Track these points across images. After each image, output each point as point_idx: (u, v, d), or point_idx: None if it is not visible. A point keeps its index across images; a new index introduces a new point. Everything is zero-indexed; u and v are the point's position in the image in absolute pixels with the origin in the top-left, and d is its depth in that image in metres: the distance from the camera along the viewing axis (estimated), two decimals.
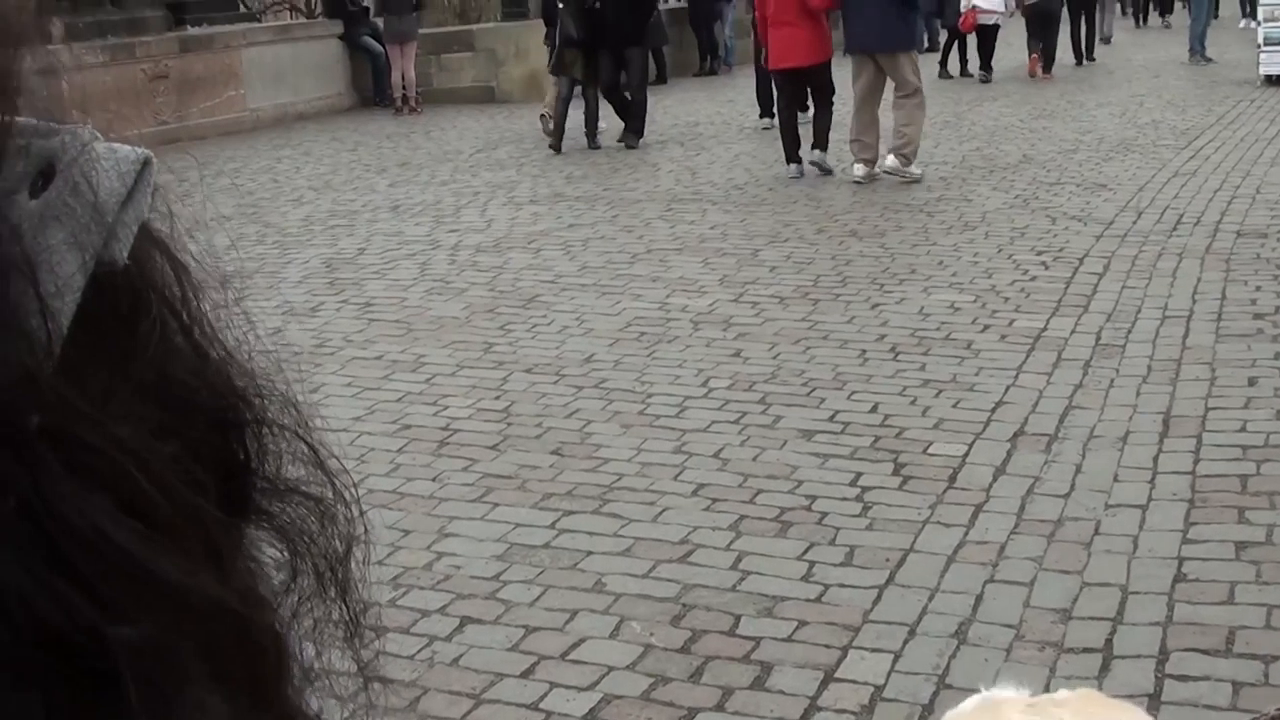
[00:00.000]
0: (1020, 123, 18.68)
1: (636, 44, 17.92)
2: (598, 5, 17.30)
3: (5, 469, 0.58)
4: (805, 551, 5.85)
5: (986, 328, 8.96)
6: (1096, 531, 5.89)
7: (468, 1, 60.81)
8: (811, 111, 15.54)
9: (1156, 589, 5.36)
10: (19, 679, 0.57)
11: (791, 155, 15.19)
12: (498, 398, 8.02)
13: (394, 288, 10.78)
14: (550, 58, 18.08)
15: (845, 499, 6.36)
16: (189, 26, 23.46)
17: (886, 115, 14.68)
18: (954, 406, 7.50)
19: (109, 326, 0.66)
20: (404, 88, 23.38)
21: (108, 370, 0.65)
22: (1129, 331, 8.73)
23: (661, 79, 25.57)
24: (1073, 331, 8.78)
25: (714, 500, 6.42)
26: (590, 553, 5.94)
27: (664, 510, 6.34)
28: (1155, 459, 6.66)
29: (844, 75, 15.26)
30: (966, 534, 5.93)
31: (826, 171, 15.12)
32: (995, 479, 6.51)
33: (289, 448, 0.73)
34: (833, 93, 15.44)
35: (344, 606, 0.73)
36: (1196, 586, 5.38)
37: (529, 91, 22.57)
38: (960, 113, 19.73)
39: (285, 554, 0.71)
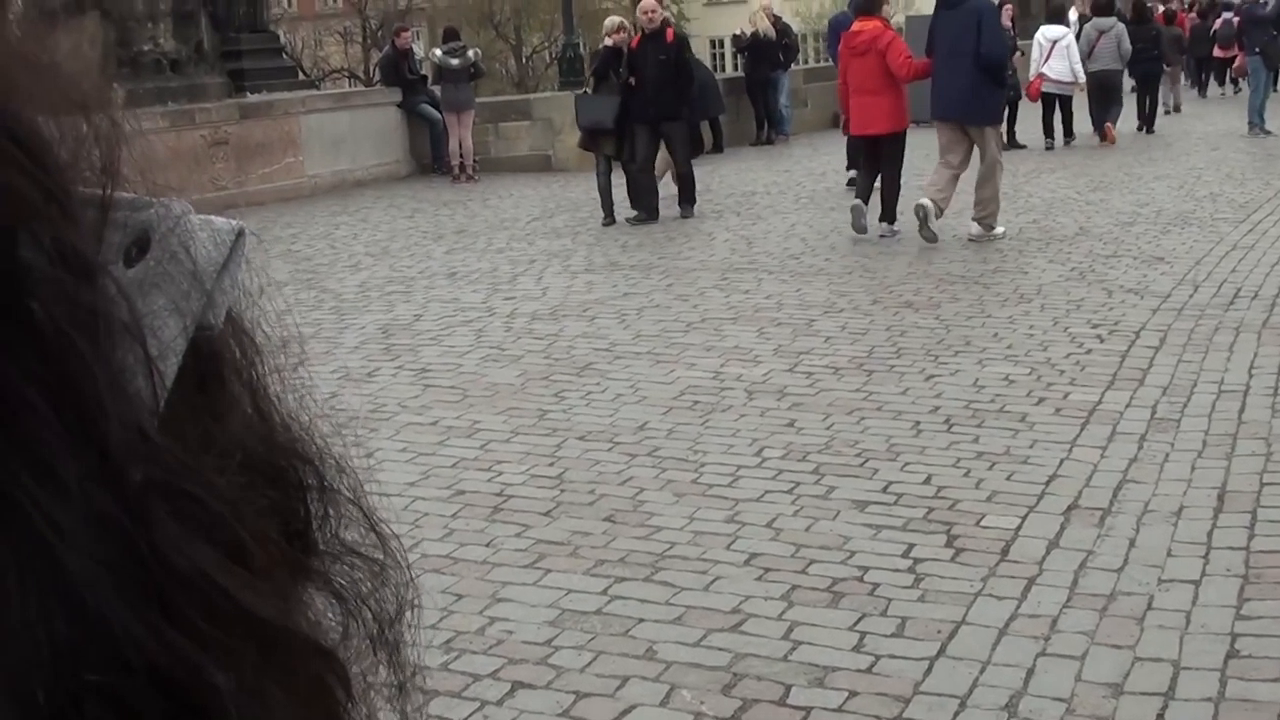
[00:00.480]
0: (1077, 195, 18.67)
1: (675, 119, 17.78)
2: (632, 82, 17.40)
3: (117, 519, 0.62)
4: (857, 622, 5.84)
5: (1041, 400, 8.95)
6: (1149, 606, 5.87)
7: (525, 70, 61.14)
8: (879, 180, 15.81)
9: (1209, 665, 5.34)
10: (131, 718, 0.61)
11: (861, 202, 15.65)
12: (551, 464, 8.06)
13: (449, 354, 10.85)
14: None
15: (898, 570, 6.36)
16: (248, 93, 23.70)
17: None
18: (1007, 479, 7.50)
19: (197, 388, 0.71)
20: (461, 155, 23.52)
21: (200, 429, 0.70)
22: (1184, 406, 8.71)
23: (718, 148, 25.68)
24: (1128, 405, 8.76)
25: (766, 570, 6.43)
26: (642, 620, 5.95)
27: (716, 579, 6.35)
28: (1209, 534, 6.64)
29: (917, 141, 15.39)
30: (1019, 607, 5.92)
31: (892, 234, 15.67)
32: (1048, 552, 6.50)
33: (344, 511, 0.77)
34: (901, 163, 15.93)
35: (393, 667, 0.76)
36: (1250, 663, 5.35)
37: (585, 160, 22.74)
38: (1017, 185, 19.72)
39: (339, 614, 0.75)
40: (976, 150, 15.34)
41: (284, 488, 0.74)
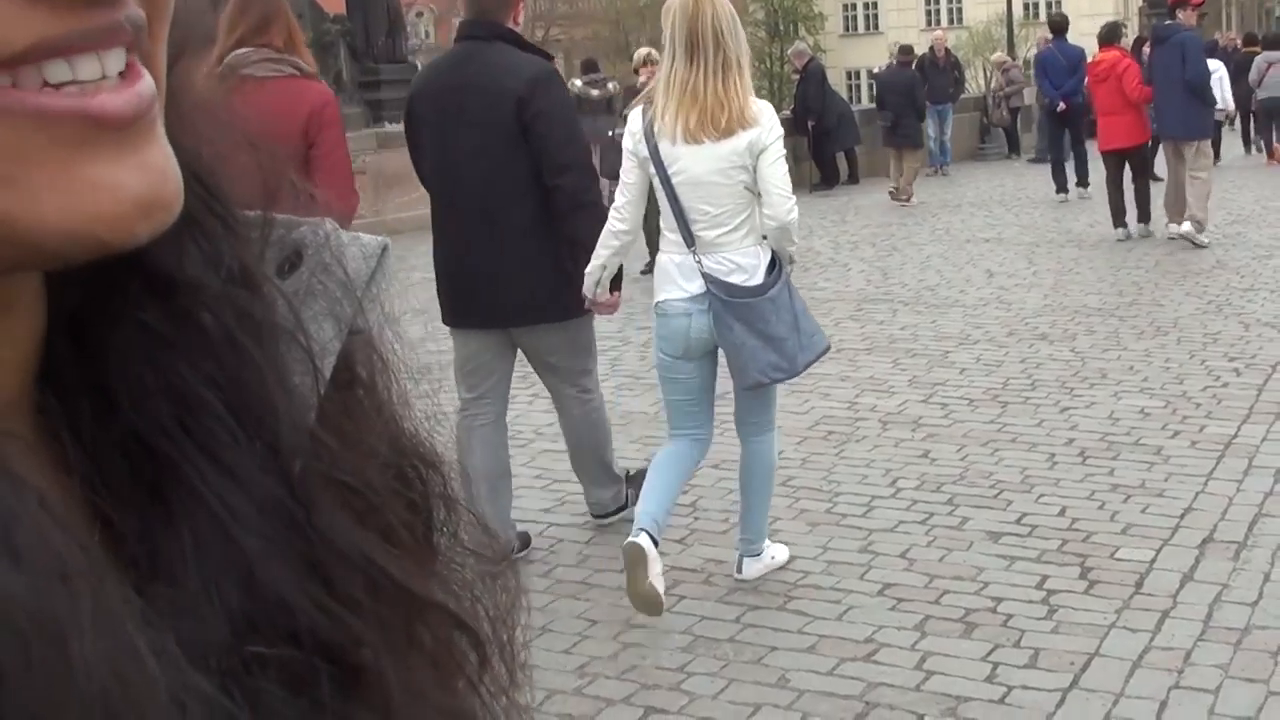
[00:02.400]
0: (1214, 228, 18.47)
1: None
2: None
3: (284, 503, 0.72)
4: (990, 653, 5.87)
5: (1176, 433, 8.92)
6: None
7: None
8: (1132, 188, 17.96)
9: None
10: (298, 684, 0.70)
11: (1118, 220, 17.92)
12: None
13: None
14: None
15: (1031, 601, 6.38)
16: (386, 123, 23.94)
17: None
18: (1142, 512, 7.48)
19: (347, 389, 0.81)
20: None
21: (352, 427, 0.80)
22: None
23: (853, 179, 25.70)
24: (1264, 439, 8.71)
25: (899, 600, 6.47)
26: (774, 648, 6.01)
27: (849, 609, 6.40)
28: None
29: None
30: (1152, 639, 5.92)
31: (1147, 235, 17.85)
32: (1182, 585, 6.49)
33: (461, 515, 0.87)
34: (1149, 170, 18.22)
35: (503, 659, 0.85)
36: None
37: None
38: (1155, 217, 19.61)
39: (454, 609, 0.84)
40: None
41: (412, 488, 0.83)
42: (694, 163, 6.25)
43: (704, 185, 6.27)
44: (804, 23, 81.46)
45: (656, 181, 6.37)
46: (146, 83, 0.63)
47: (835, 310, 13.63)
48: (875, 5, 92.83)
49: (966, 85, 34.90)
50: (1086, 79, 19.81)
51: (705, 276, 6.38)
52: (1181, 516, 7.38)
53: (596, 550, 7.26)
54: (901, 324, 12.84)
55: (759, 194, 6.29)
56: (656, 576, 6.24)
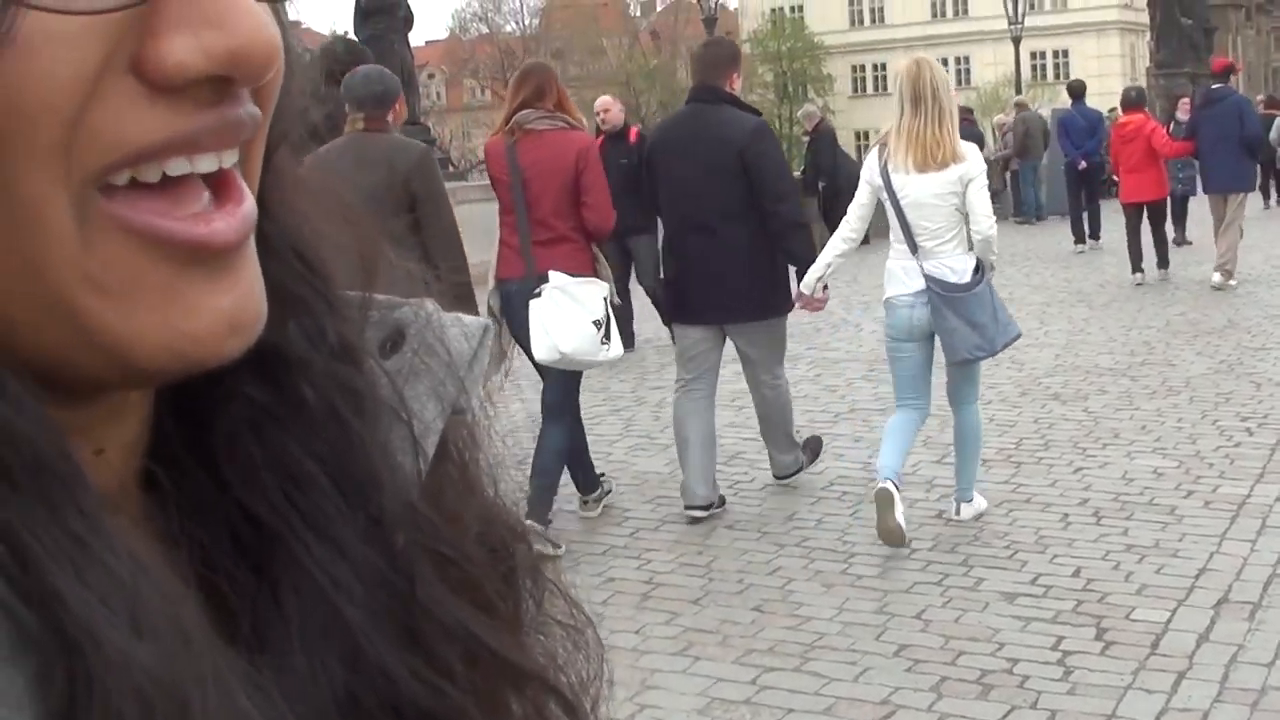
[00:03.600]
0: (1226, 287, 18.55)
1: (641, 232, 14.37)
2: None
3: (387, 575, 0.74)
4: (1007, 715, 5.86)
5: (1190, 493, 8.93)
6: None
7: None
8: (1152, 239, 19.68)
9: None
10: None
11: (1135, 266, 19.61)
12: (700, 553, 8.14)
13: (599, 442, 10.92)
14: None
15: (1047, 663, 6.37)
16: None
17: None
18: (1157, 572, 7.49)
19: (444, 462, 0.84)
20: None
21: (452, 502, 0.82)
22: None
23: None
24: (1278, 498, 8.71)
25: (916, 661, 6.47)
26: (791, 710, 6.00)
27: (865, 670, 6.40)
28: None
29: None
30: (1169, 701, 5.92)
31: (1165, 279, 19.54)
32: (1198, 646, 6.49)
33: (545, 584, 0.89)
34: (1165, 220, 20.08)
35: None
36: None
37: None
38: (1166, 275, 19.67)
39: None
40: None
41: (502, 560, 0.85)
42: (918, 189, 8.13)
43: (926, 207, 8.16)
44: (813, 84, 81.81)
45: (888, 204, 8.28)
46: (250, 204, 0.66)
47: (848, 371, 13.66)
48: (884, 67, 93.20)
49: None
50: (1108, 139, 21.55)
51: (926, 277, 8.21)
52: (1196, 577, 7.38)
53: (612, 611, 7.25)
54: None
55: (967, 214, 8.15)
56: (900, 515, 7.98)
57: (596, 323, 8.26)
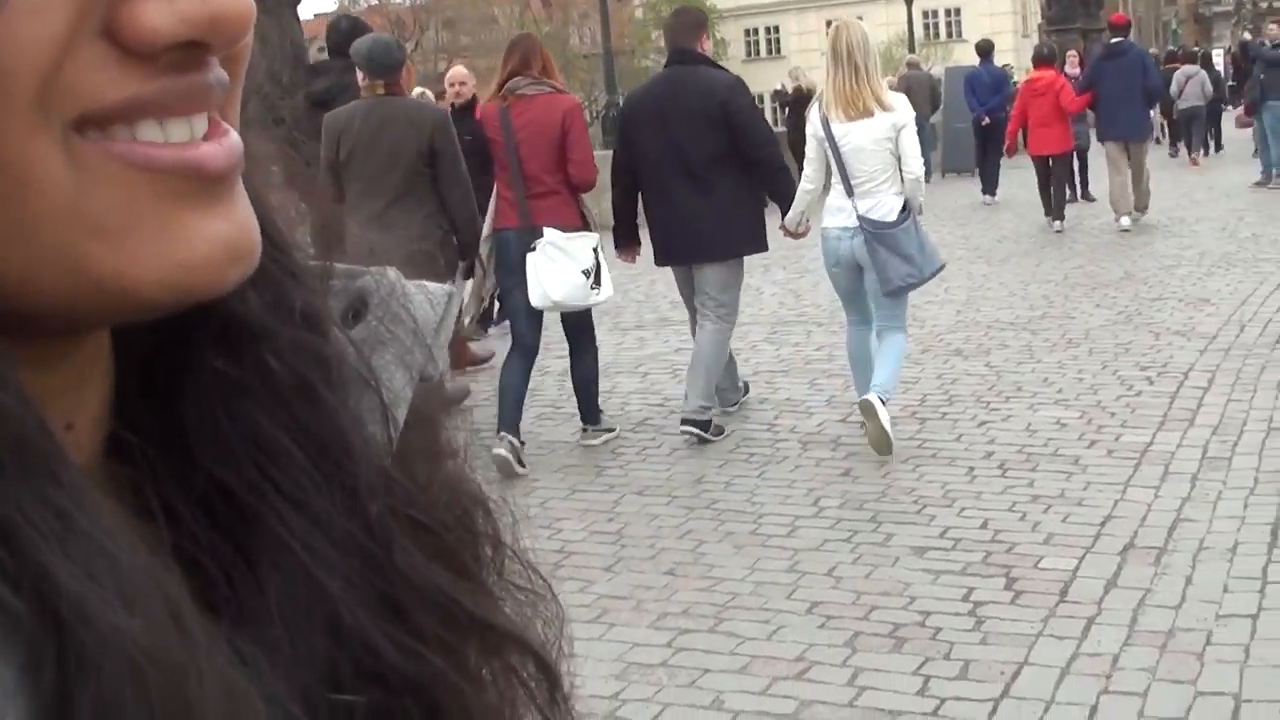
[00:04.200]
0: (1120, 240, 18.75)
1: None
2: None
3: (363, 544, 0.74)
4: (920, 666, 5.92)
5: (1093, 443, 9.03)
6: (1208, 642, 5.94)
7: None
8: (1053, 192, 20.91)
9: (1270, 697, 5.41)
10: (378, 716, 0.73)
11: (1048, 211, 20.90)
12: (610, 520, 8.15)
13: None
14: None
15: (958, 614, 6.43)
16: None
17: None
18: (1063, 521, 7.57)
19: (414, 429, 0.83)
20: None
21: (422, 469, 0.82)
22: (1235, 444, 8.78)
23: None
24: (1179, 445, 8.83)
25: (828, 618, 6.51)
26: (707, 670, 6.03)
27: (779, 628, 6.43)
28: (1264, 569, 6.70)
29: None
30: (1079, 646, 5.99)
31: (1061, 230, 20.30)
32: (1106, 592, 6.57)
33: (505, 551, 0.89)
34: (1071, 175, 21.66)
35: (548, 685, 0.88)
36: None
37: None
38: (1061, 227, 19.86)
39: None
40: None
41: (469, 526, 0.85)
42: (857, 136, 9.12)
43: (864, 152, 9.14)
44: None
45: (829, 151, 9.26)
46: (234, 137, 0.66)
47: (750, 334, 13.68)
48: (777, 30, 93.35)
49: None
50: (1015, 95, 22.68)
51: (860, 217, 9.16)
52: (1102, 525, 7.47)
53: None
54: (817, 345, 12.91)
55: (899, 158, 9.13)
56: (887, 422, 8.95)
57: (586, 272, 9.36)
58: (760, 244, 10.32)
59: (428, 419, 0.86)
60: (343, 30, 11.14)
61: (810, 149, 9.55)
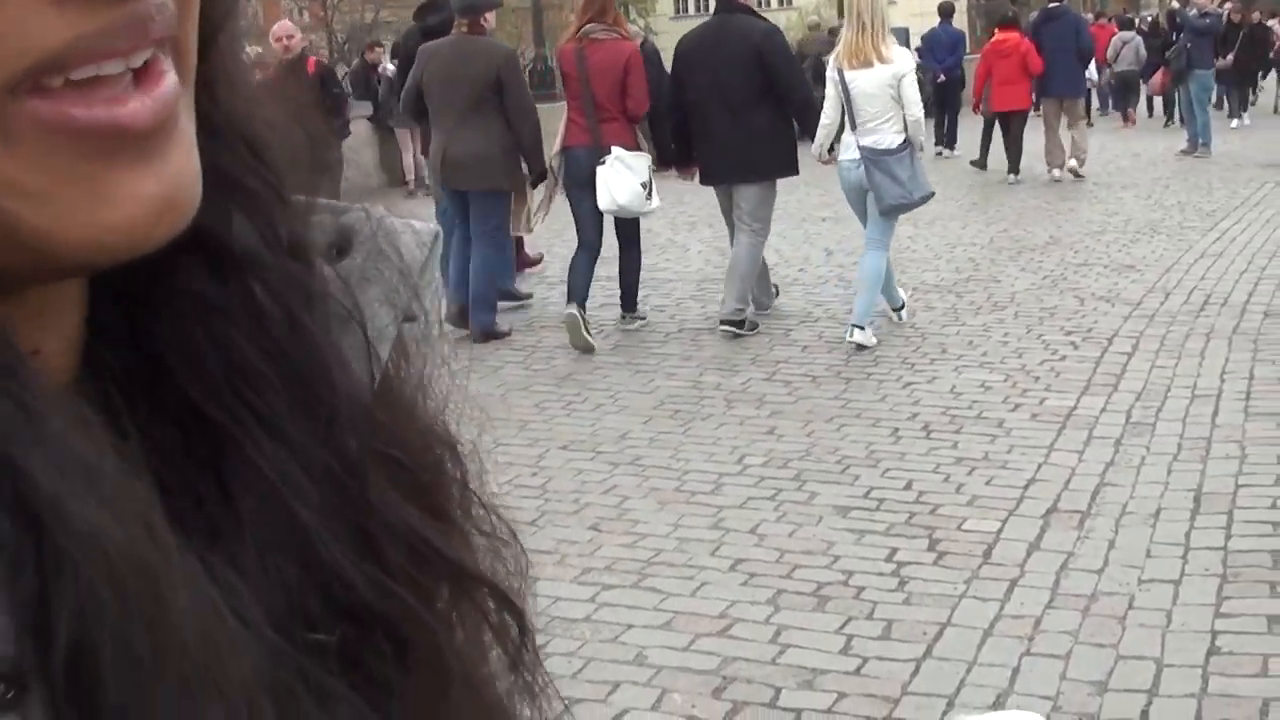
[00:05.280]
0: (1047, 205, 18.80)
1: None
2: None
3: (340, 478, 0.71)
4: (843, 625, 5.92)
5: (1017, 406, 9.05)
6: (1130, 606, 5.96)
7: None
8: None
9: (1191, 662, 5.43)
10: (355, 659, 0.70)
11: (982, 166, 23.09)
12: (534, 474, 8.12)
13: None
14: None
15: (882, 574, 6.44)
16: None
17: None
18: (987, 484, 7.58)
19: (393, 372, 0.80)
20: (415, 169, 23.33)
21: (402, 408, 0.79)
22: (1159, 410, 8.82)
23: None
24: (1103, 410, 8.86)
25: (752, 575, 6.50)
26: (630, 626, 6.01)
27: (703, 585, 6.42)
28: (1187, 535, 6.73)
29: None
30: (1002, 608, 6.00)
31: (1017, 182, 21.62)
32: (1029, 554, 6.59)
33: (470, 494, 0.86)
34: (1024, 128, 22.17)
35: (520, 635, 0.85)
36: (1231, 659, 5.44)
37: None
38: (987, 195, 19.92)
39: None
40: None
41: (441, 468, 0.82)
42: (865, 82, 10.89)
43: (869, 95, 10.87)
44: (635, 5, 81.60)
45: (840, 93, 11.01)
46: (169, 83, 0.62)
47: (676, 291, 13.67)
48: None
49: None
50: (974, 54, 24.07)
51: (861, 147, 10.89)
52: (1025, 488, 7.49)
53: None
54: None
55: (901, 102, 10.81)
56: (869, 341, 10.85)
57: (643, 184, 11.47)
58: (791, 169, 12.00)
59: (410, 359, 0.83)
60: None
61: (829, 91, 11.21)
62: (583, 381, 10.22)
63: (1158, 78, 29.98)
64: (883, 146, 10.83)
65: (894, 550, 6.71)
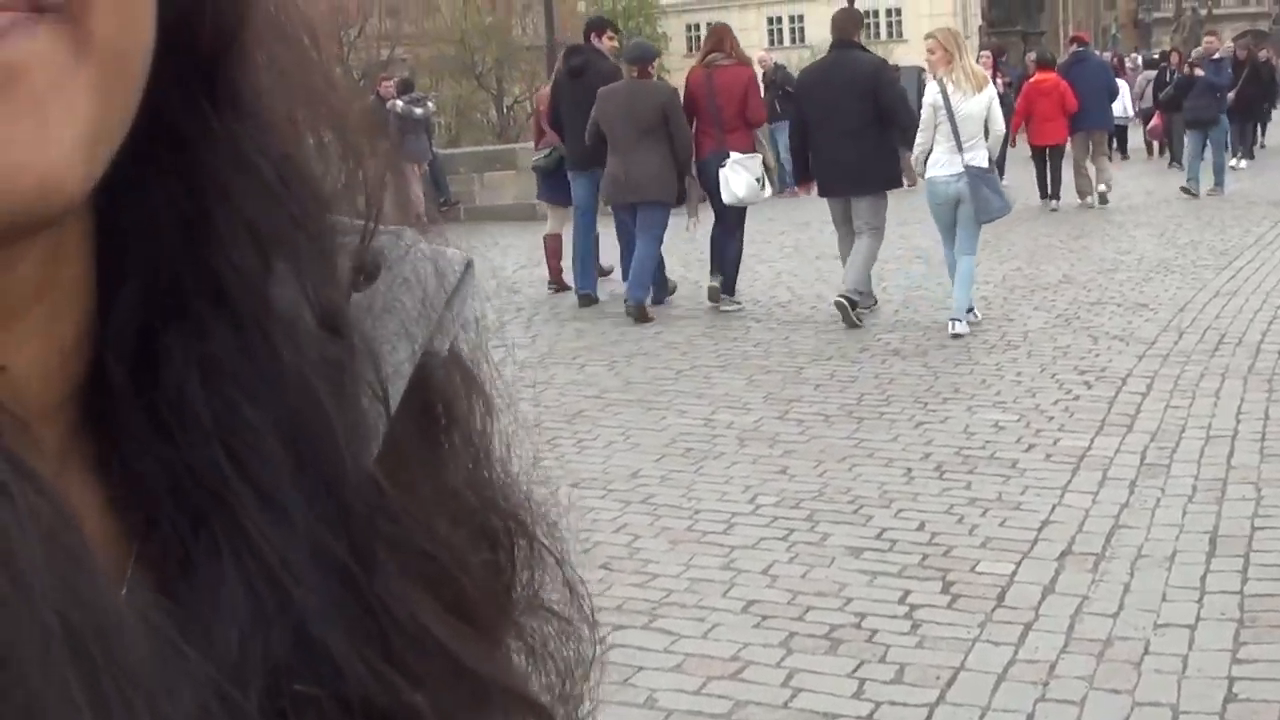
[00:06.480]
0: (1060, 243, 18.79)
1: None
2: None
3: (344, 562, 0.65)
4: (856, 669, 5.86)
5: (1031, 447, 9.00)
6: (1146, 651, 5.90)
7: (506, 120, 61.16)
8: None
9: (1207, 709, 5.37)
10: None
11: (1053, 194, 23.99)
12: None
13: None
14: None
15: (894, 616, 6.38)
16: None
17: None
18: (1001, 525, 7.53)
19: (421, 424, 0.74)
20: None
21: (429, 477, 0.73)
22: (1174, 451, 8.76)
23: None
24: (1117, 450, 8.81)
25: (764, 617, 6.45)
26: (641, 668, 5.96)
27: (714, 626, 6.37)
28: (1203, 578, 6.68)
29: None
30: (1016, 652, 5.95)
31: (1055, 209, 23.63)
32: (1044, 597, 6.53)
33: (546, 570, 0.80)
34: (1063, 160, 24.13)
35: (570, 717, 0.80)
36: (1248, 706, 5.38)
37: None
38: (1000, 233, 19.86)
39: (526, 663, 0.78)
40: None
41: (495, 543, 0.77)
42: (969, 106, 12.67)
43: (971, 118, 12.66)
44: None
45: (945, 117, 12.71)
46: (13, 42, 0.56)
47: (688, 328, 13.65)
48: None
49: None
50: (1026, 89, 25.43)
51: (966, 166, 12.62)
52: (1040, 529, 7.43)
53: None
54: (755, 340, 12.89)
55: (987, 122, 12.82)
56: (964, 330, 12.77)
57: (758, 179, 14.44)
58: (896, 182, 14.29)
59: (441, 404, 0.78)
60: (588, 25, 17.09)
61: (925, 116, 12.99)
62: (594, 419, 10.18)
63: (1156, 120, 30.29)
64: (981, 164, 12.68)
65: (907, 592, 6.66)
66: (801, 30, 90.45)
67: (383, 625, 0.66)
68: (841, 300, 13.41)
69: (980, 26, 53.16)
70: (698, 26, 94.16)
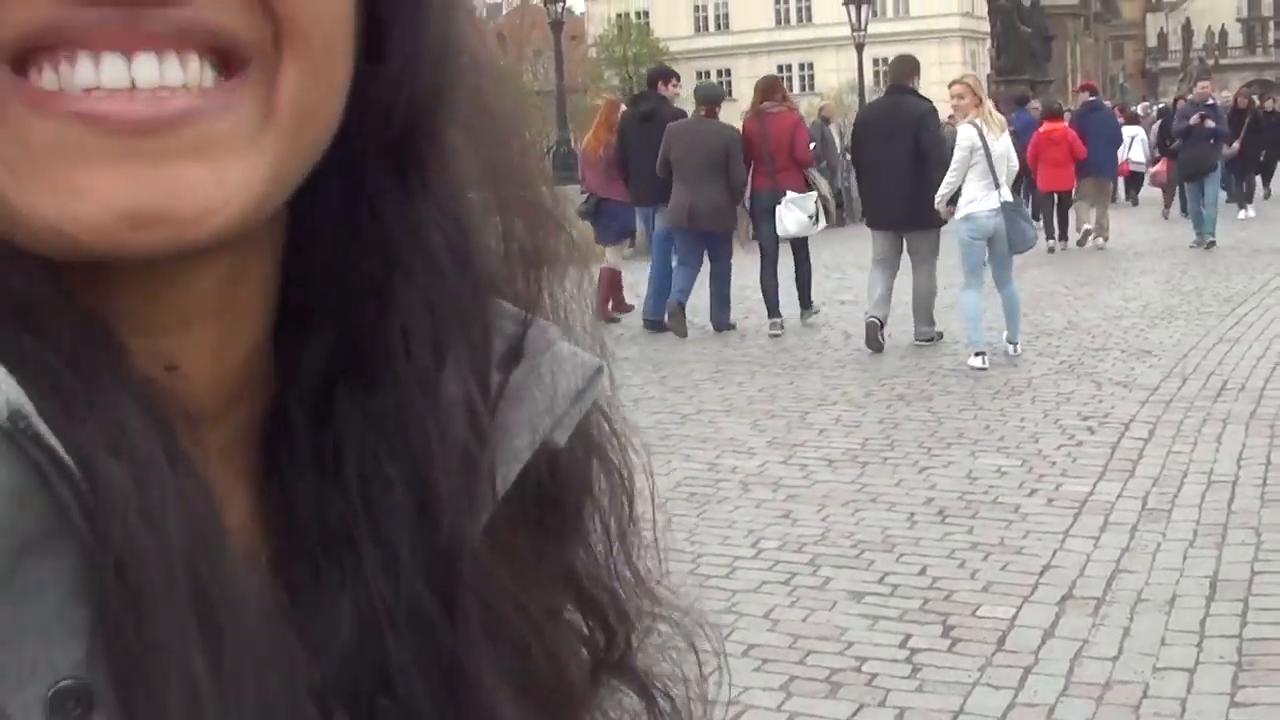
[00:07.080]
0: (1065, 289, 18.83)
1: None
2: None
3: (436, 626, 0.72)
4: (856, 713, 5.88)
5: (1033, 492, 9.02)
6: (1145, 694, 5.92)
7: None
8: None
9: None
10: None
11: (1061, 235, 24.76)
12: None
13: None
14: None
15: (895, 660, 6.40)
16: None
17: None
18: (1002, 569, 7.55)
19: (538, 505, 0.80)
20: None
21: (530, 546, 0.78)
22: (1175, 496, 8.78)
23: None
24: (1119, 496, 8.83)
25: (764, 660, 6.46)
26: (640, 714, 5.95)
27: (715, 669, 6.36)
28: (1202, 622, 6.69)
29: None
30: (1016, 696, 5.96)
31: (1065, 250, 24.55)
32: (1044, 641, 6.55)
33: (670, 655, 0.89)
34: (1070, 205, 25.31)
35: None
36: None
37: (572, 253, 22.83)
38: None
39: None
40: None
41: (591, 614, 0.85)
42: (1002, 146, 13.60)
43: (1003, 157, 13.54)
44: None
45: (983, 156, 13.37)
46: (183, 102, 0.62)
47: (694, 372, 13.68)
48: (729, 73, 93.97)
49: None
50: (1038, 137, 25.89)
51: (1003, 202, 13.42)
52: (1041, 574, 7.45)
53: None
54: (760, 385, 12.91)
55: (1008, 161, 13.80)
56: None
57: (811, 216, 15.84)
58: (940, 219, 14.54)
59: (556, 492, 0.84)
60: (654, 74, 19.37)
61: (958, 157, 13.64)
62: None
63: (1161, 168, 30.23)
64: (1011, 200, 13.76)
65: (908, 636, 6.68)
66: (812, 78, 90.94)
67: (452, 681, 0.72)
68: (873, 320, 14.57)
69: (989, 75, 53.22)
70: (708, 74, 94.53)
